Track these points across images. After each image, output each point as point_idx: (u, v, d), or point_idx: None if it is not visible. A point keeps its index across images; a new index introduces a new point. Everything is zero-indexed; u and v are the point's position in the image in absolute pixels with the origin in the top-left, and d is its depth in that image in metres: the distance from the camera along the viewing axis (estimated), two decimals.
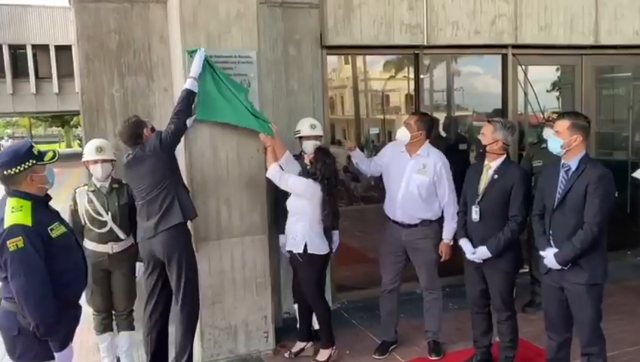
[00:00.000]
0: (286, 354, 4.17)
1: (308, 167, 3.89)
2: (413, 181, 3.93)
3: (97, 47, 4.22)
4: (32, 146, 2.61)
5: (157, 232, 3.52)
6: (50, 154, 2.62)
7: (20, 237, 2.41)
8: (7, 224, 2.43)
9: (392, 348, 4.20)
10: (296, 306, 4.35)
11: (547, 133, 4.29)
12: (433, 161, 3.95)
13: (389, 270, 4.12)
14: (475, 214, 3.57)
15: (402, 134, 3.97)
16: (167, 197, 3.50)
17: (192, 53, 3.73)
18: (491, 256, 3.50)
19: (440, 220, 4.00)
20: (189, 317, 3.65)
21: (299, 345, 4.18)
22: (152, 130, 3.62)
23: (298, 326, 4.29)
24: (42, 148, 2.73)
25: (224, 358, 4.11)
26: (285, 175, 3.79)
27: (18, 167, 2.51)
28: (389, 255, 4.11)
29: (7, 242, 2.40)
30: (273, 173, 3.79)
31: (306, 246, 3.83)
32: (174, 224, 3.50)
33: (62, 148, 35.09)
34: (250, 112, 3.85)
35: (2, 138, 22.92)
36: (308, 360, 4.08)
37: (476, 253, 3.55)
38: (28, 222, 2.46)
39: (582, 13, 5.66)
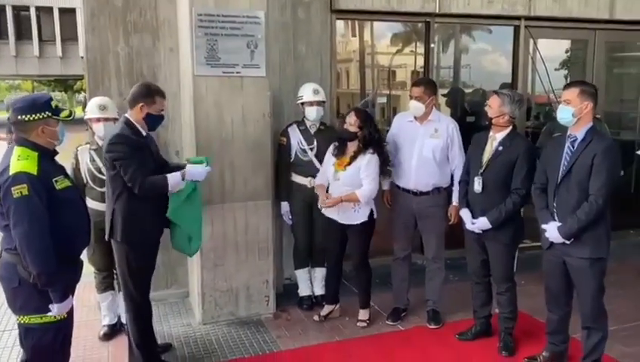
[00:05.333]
0: (288, 318, 4.23)
1: (355, 131, 3.78)
2: (427, 145, 3.89)
3: (103, 4, 4.13)
4: (51, 99, 2.57)
5: None
6: (66, 112, 2.58)
7: (25, 185, 2.37)
8: (12, 171, 2.39)
9: (403, 314, 4.24)
10: (318, 271, 4.45)
11: None
12: (445, 124, 3.93)
13: (401, 238, 4.13)
14: (477, 185, 3.52)
15: (417, 108, 3.89)
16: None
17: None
18: (491, 228, 3.47)
19: (450, 188, 3.99)
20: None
21: (327, 308, 4.23)
22: (145, 118, 3.22)
23: (324, 291, 4.37)
24: None
25: (224, 320, 4.14)
26: (369, 178, 3.76)
27: (33, 115, 2.47)
28: (400, 224, 4.11)
29: (12, 188, 2.36)
30: (367, 193, 3.75)
31: (371, 212, 3.88)
32: None
33: None
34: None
35: None
36: (335, 322, 4.17)
37: (476, 224, 3.52)
38: (34, 170, 2.42)
39: None
